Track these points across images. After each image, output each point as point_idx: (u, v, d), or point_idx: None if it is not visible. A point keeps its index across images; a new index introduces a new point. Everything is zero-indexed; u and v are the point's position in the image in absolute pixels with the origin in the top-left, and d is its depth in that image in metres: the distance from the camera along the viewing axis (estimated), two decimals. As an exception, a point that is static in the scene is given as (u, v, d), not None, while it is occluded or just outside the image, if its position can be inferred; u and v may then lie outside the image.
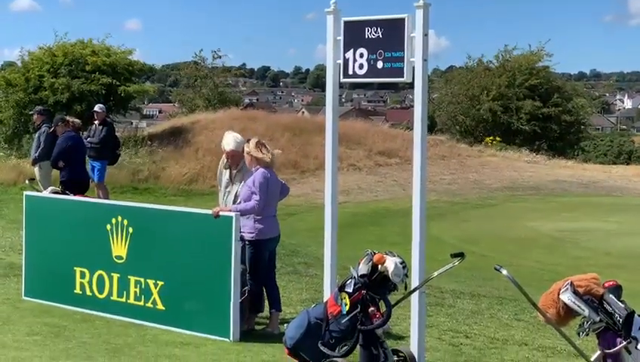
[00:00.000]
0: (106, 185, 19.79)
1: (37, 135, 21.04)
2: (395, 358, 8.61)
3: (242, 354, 9.65)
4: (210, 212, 10.58)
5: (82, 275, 11.46)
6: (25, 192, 13.90)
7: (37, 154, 20.54)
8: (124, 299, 11.04)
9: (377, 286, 8.48)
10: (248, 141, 10.55)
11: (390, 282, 8.50)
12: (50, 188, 16.04)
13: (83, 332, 10.47)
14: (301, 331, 8.57)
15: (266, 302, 10.86)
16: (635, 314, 6.47)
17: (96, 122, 20.33)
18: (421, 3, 8.53)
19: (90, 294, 11.39)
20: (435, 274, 8.81)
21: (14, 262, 13.50)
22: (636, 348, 6.37)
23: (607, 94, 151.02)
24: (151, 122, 33.06)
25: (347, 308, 8.41)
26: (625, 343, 6.39)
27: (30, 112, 22.78)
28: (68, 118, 19.74)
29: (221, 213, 10.36)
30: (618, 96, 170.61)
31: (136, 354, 9.44)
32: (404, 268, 8.59)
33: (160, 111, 39.99)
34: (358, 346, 8.45)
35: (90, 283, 11.40)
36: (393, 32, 8.77)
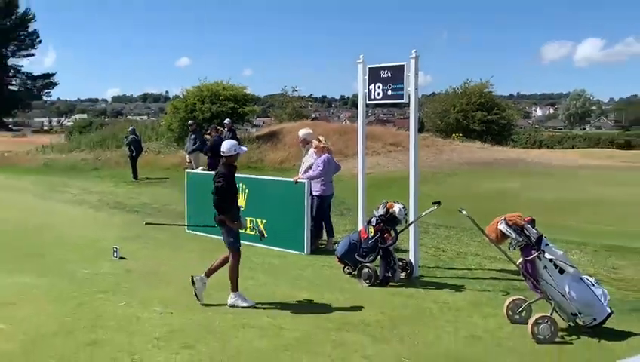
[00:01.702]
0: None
1: (191, 137, 21.34)
2: (400, 263, 8.68)
3: (312, 261, 9.77)
4: (292, 179, 10.70)
5: (219, 218, 11.59)
6: (186, 170, 14.14)
7: (191, 148, 20.87)
8: (243, 231, 11.14)
9: (389, 221, 8.58)
10: (318, 138, 10.70)
11: (397, 219, 8.62)
12: (200, 168, 16.33)
13: (222, 249, 10.60)
14: (345, 248, 8.83)
15: (324, 231, 10.98)
16: (543, 237, 6.48)
17: (225, 129, 20.52)
18: (413, 55, 8.63)
19: (224, 228, 11.53)
20: (424, 213, 8.88)
21: (178, 211, 13.65)
22: (543, 256, 6.39)
23: (527, 107, 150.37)
24: (258, 129, 33.40)
25: (372, 234, 8.54)
26: (537, 253, 6.40)
27: (187, 124, 23.08)
28: (218, 127, 20.03)
29: (298, 180, 10.46)
30: (533, 108, 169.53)
31: (252, 263, 9.58)
32: (404, 210, 8.67)
33: (263, 123, 40.30)
34: (378, 257, 8.53)
35: (223, 222, 11.53)
36: (397, 73, 8.84)
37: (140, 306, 7.35)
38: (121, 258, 9.84)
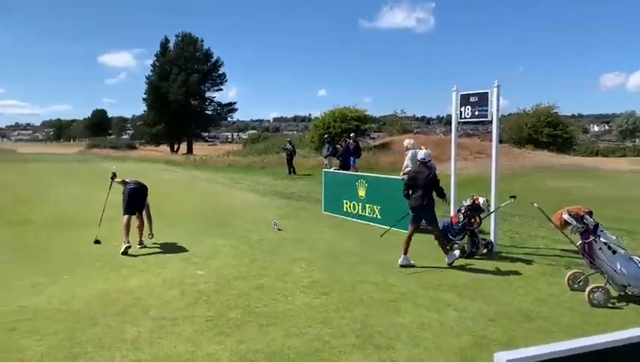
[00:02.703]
0: (357, 167, 20.02)
1: (326, 146, 21.59)
2: (483, 241, 8.29)
3: (415, 238, 9.53)
4: (399, 177, 10.52)
5: (346, 203, 11.63)
6: (323, 170, 14.30)
7: (326, 154, 21.10)
8: (364, 214, 11.14)
9: (474, 210, 8.20)
10: (420, 147, 10.44)
11: (480, 208, 8.21)
12: (333, 168, 16.45)
13: (349, 226, 10.68)
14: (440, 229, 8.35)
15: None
16: (599, 224, 5.98)
17: (351, 140, 20.57)
18: (496, 85, 8.17)
19: (349, 211, 11.56)
20: (502, 205, 8.44)
21: (317, 198, 13.83)
22: (599, 240, 5.88)
23: (586, 124, 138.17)
24: (374, 140, 33.32)
25: (461, 219, 8.18)
26: (593, 238, 5.90)
27: (324, 137, 23.40)
28: (347, 140, 20.22)
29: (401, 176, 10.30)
30: (591, 125, 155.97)
31: (366, 236, 9.54)
32: (487, 202, 8.28)
33: (377, 136, 40.01)
34: (466, 236, 8.20)
35: (350, 206, 11.55)
36: (483, 98, 8.42)
37: (291, 263, 7.54)
38: (279, 229, 10.13)
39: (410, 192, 7.69)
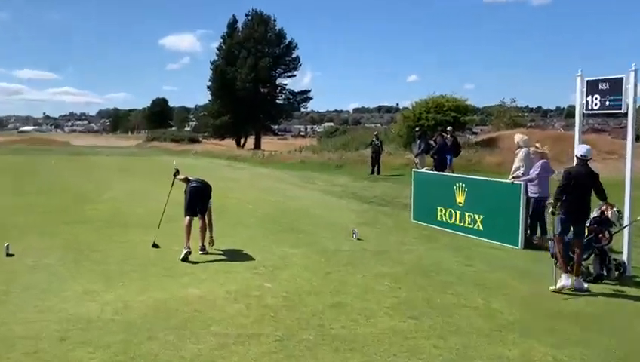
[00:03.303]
0: (453, 167, 19.66)
1: (417, 142, 21.36)
2: (614, 263, 7.84)
3: (525, 255, 9.22)
4: (508, 180, 10.20)
5: (441, 210, 11.43)
6: (413, 170, 14.17)
7: (418, 151, 20.88)
8: (462, 224, 10.89)
9: (603, 223, 7.79)
10: (535, 145, 10.10)
11: (610, 221, 7.79)
12: (425, 168, 16.25)
13: (444, 239, 10.50)
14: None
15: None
16: None
17: (448, 135, 20.21)
18: (633, 68, 7.73)
19: (444, 220, 11.35)
20: (638, 218, 7.93)
21: (405, 203, 13.62)
22: None
23: None
24: (476, 136, 32.38)
25: (587, 234, 7.80)
26: None
27: (414, 131, 23.15)
28: (443, 134, 19.92)
29: (515, 181, 9.94)
30: None
31: (465, 251, 9.32)
32: (619, 213, 7.86)
33: (480, 130, 39.03)
34: (592, 256, 7.81)
35: (445, 214, 11.35)
36: (615, 85, 8.01)
37: (373, 279, 7.51)
38: (358, 239, 10.13)
39: (565, 197, 7.35)
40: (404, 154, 27.16)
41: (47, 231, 10.38)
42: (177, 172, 9.11)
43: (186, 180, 8.96)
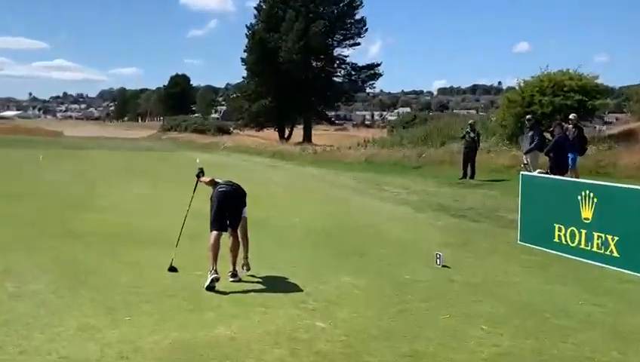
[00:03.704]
0: (578, 169, 19.26)
1: (528, 134, 21.00)
2: None
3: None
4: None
5: (559, 229, 11.24)
6: (521, 172, 13.99)
7: (527, 148, 20.54)
8: (589, 248, 10.67)
9: None
10: None
11: None
12: (537, 170, 16.00)
13: (558, 266, 10.32)
14: None
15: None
16: None
17: (570, 126, 19.82)
18: None
19: (565, 243, 11.14)
20: None
21: (510, 219, 13.46)
22: None
23: None
24: (609, 127, 31.40)
25: None
26: None
27: (524, 120, 22.78)
28: (562, 124, 19.50)
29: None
30: None
31: (600, 286, 9.10)
32: None
33: (616, 119, 37.80)
34: None
35: (565, 235, 11.15)
36: None
37: (464, 321, 7.42)
38: (444, 266, 10.05)
39: None
40: (508, 152, 26.81)
41: (34, 248, 10.59)
42: (201, 172, 9.22)
43: (213, 183, 9.05)
